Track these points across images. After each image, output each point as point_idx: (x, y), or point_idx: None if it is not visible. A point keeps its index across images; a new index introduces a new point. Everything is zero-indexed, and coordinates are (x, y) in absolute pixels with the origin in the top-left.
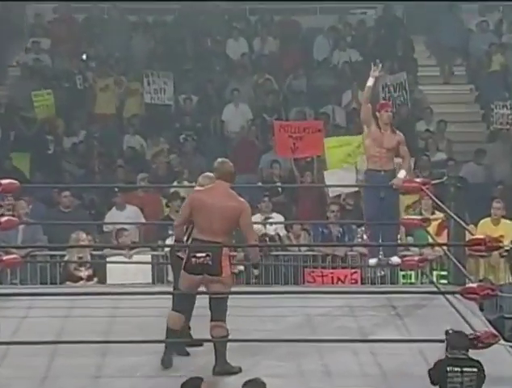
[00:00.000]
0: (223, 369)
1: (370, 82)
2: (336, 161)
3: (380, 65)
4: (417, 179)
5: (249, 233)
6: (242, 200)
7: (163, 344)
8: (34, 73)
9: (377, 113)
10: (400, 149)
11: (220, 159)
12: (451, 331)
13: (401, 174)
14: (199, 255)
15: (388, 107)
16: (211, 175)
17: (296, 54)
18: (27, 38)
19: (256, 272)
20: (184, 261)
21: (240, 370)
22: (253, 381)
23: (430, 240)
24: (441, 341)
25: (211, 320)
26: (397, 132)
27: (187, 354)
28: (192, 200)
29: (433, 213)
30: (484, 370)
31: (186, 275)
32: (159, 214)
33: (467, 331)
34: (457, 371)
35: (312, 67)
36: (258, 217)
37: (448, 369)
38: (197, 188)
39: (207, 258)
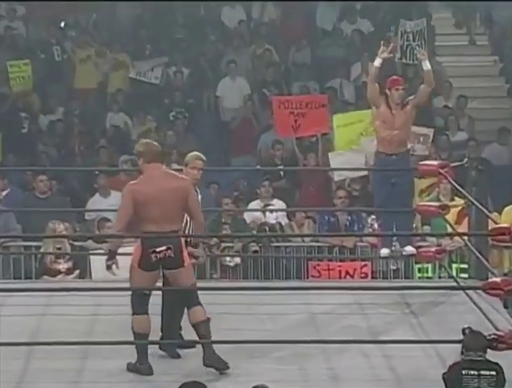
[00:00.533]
0: (211, 360)
1: (377, 62)
2: (346, 142)
3: (392, 45)
4: (435, 162)
5: (198, 210)
6: (182, 176)
7: (154, 346)
8: (5, 43)
9: (387, 91)
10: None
11: (142, 141)
12: (467, 331)
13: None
14: (158, 249)
15: (400, 83)
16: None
17: (299, 22)
18: None
19: (198, 253)
20: (138, 258)
21: (227, 367)
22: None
23: (449, 229)
24: (460, 342)
25: (188, 308)
26: (407, 99)
27: (178, 356)
28: (133, 195)
29: (452, 199)
30: (503, 373)
31: (144, 273)
32: None
33: (490, 330)
34: (473, 374)
35: (317, 37)
36: (256, 204)
37: (463, 372)
38: (132, 182)
39: (169, 251)
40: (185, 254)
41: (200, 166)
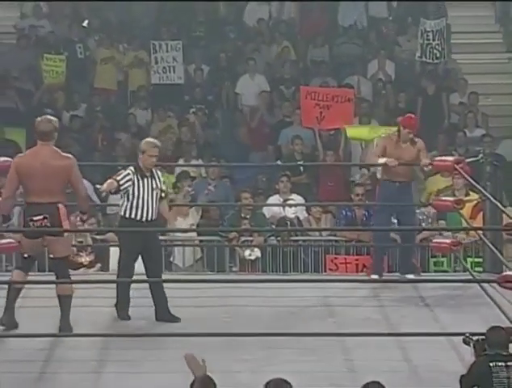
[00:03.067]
0: (64, 326)
1: (382, 160)
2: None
3: (396, 163)
4: (450, 157)
5: (80, 184)
6: (67, 155)
7: (170, 339)
8: (30, 42)
9: (401, 127)
10: (421, 156)
11: (38, 118)
12: (467, 340)
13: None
14: (35, 218)
15: (413, 127)
16: (152, 140)
17: (318, 20)
18: (23, 2)
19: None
20: (22, 226)
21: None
22: (277, 381)
23: (464, 224)
24: (475, 335)
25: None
26: (417, 140)
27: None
28: (18, 167)
29: (467, 194)
30: None
31: (26, 240)
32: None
33: (505, 323)
34: (502, 366)
35: (335, 34)
36: (275, 199)
37: (491, 364)
38: (20, 155)
39: (45, 220)
40: (65, 224)
41: (156, 153)
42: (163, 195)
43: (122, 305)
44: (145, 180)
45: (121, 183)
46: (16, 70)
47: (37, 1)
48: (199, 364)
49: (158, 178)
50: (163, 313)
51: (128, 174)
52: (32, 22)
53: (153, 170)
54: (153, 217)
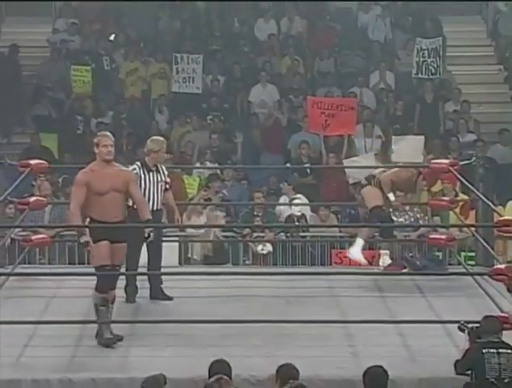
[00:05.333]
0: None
1: (392, 197)
2: None
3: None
4: (446, 160)
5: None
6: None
7: (195, 325)
8: (61, 55)
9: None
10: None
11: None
12: (462, 326)
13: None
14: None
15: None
16: (161, 139)
17: (324, 34)
18: (56, 18)
19: None
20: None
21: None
22: (287, 367)
23: (456, 221)
24: (470, 322)
25: None
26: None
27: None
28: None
29: (456, 196)
30: None
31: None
32: (182, 195)
33: (496, 312)
34: (493, 352)
35: (340, 47)
36: (284, 199)
37: (484, 351)
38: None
39: None
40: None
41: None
42: (167, 187)
43: (131, 289)
44: (151, 174)
45: None
46: (49, 81)
47: (66, 0)
48: None
49: (163, 172)
50: (157, 292)
51: (135, 168)
52: (63, 36)
53: (158, 165)
54: (158, 207)
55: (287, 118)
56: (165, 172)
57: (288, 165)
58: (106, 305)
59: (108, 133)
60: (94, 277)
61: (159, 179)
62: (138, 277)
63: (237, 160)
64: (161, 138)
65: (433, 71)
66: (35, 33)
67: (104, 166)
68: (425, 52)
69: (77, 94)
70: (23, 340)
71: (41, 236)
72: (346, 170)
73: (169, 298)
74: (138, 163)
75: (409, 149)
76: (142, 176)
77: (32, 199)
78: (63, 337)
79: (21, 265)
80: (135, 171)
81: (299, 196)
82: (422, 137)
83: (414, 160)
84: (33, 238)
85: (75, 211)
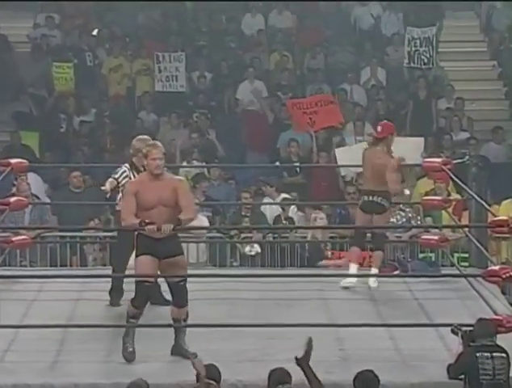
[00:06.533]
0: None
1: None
2: None
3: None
4: (438, 159)
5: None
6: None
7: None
8: (42, 50)
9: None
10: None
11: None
12: (455, 329)
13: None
14: None
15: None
16: (147, 137)
17: (314, 30)
18: (37, 13)
19: None
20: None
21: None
22: (279, 371)
23: (448, 221)
24: (463, 325)
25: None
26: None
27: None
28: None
29: (448, 195)
30: (509, 356)
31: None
32: None
33: (489, 314)
34: (487, 356)
35: (329, 43)
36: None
37: (478, 354)
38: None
39: None
40: None
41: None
42: None
43: (116, 293)
44: None
45: (119, 180)
46: (30, 77)
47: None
48: (202, 365)
49: None
50: (157, 297)
51: (125, 171)
52: (44, 31)
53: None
54: None
55: (275, 116)
56: None
57: (278, 163)
58: (137, 318)
59: (158, 144)
60: (77, 279)
61: None
62: (125, 280)
63: (224, 158)
64: (148, 137)
65: (425, 61)
66: (18, 28)
67: (153, 178)
68: (417, 41)
69: (61, 92)
70: (4, 345)
71: (22, 237)
72: (339, 160)
73: (169, 303)
74: (127, 165)
75: (408, 150)
76: (132, 178)
77: (13, 199)
78: (45, 341)
79: (1, 267)
80: (125, 174)
81: (282, 195)
82: (422, 138)
83: (413, 162)
84: (14, 239)
85: (128, 218)
